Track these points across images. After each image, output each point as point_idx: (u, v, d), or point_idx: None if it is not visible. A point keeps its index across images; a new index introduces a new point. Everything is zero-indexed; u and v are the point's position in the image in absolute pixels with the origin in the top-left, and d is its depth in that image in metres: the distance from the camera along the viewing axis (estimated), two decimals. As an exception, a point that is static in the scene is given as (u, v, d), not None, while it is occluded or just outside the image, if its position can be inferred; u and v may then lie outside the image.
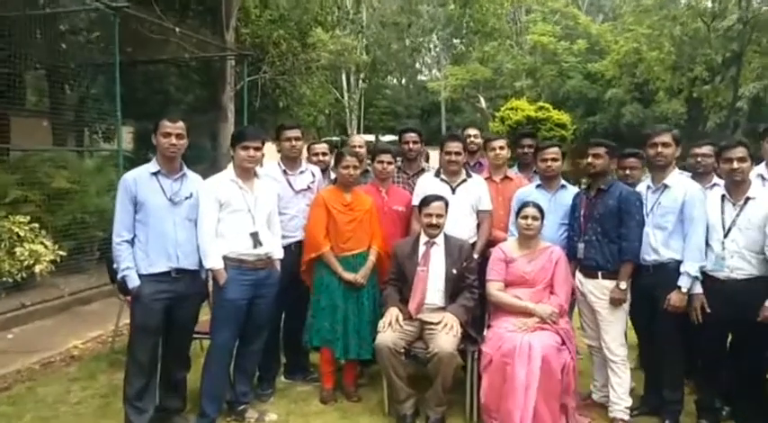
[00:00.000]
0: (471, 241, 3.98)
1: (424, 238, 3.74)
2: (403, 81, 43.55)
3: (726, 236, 3.24)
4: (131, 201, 3.09)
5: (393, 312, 3.54)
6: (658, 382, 3.58)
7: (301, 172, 3.97)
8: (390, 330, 3.45)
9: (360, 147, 4.63)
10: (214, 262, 3.24)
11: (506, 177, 4.30)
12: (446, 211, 3.72)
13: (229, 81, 14.10)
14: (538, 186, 4.00)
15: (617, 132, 24.28)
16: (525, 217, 3.63)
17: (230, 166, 3.41)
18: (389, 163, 4.09)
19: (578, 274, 3.67)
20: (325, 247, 3.71)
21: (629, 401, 3.52)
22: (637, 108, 23.60)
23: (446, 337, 3.38)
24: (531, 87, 30.27)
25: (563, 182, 3.99)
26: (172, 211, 3.15)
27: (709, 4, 17.64)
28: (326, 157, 4.36)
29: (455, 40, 34.82)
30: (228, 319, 3.30)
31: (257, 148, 3.35)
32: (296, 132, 3.88)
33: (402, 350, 3.44)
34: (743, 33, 15.27)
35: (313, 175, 4.03)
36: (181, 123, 3.15)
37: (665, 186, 3.44)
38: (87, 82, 9.45)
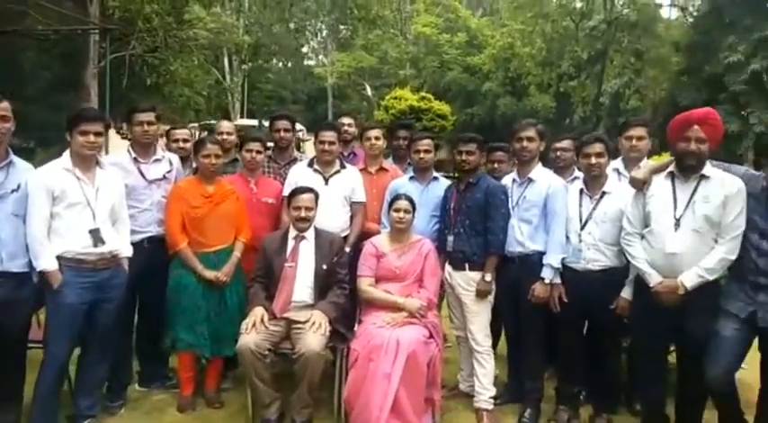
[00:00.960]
0: (344, 234, 3.86)
1: (293, 233, 3.55)
2: (289, 65, 42.66)
3: (582, 228, 3.36)
4: None
5: (257, 312, 3.32)
6: (520, 370, 3.68)
7: (156, 160, 3.60)
8: (254, 332, 3.23)
9: (227, 133, 4.33)
10: (46, 263, 2.83)
11: (382, 168, 4.20)
12: (316, 204, 3.55)
13: (93, 57, 12.92)
14: (411, 178, 3.95)
15: (492, 124, 25.46)
16: (398, 210, 3.55)
17: (66, 153, 2.98)
18: (259, 152, 3.83)
19: (447, 267, 3.67)
20: (181, 244, 3.40)
21: (492, 391, 3.58)
22: (510, 101, 24.84)
23: (313, 336, 3.22)
24: (415, 77, 30.88)
25: (435, 174, 3.96)
26: None
27: (578, 4, 18.88)
28: (188, 144, 4.01)
29: (341, 27, 34.52)
30: (64, 327, 2.91)
31: (98, 133, 2.96)
32: (149, 116, 3.50)
33: (266, 352, 3.23)
34: (607, 33, 16.46)
35: (170, 164, 3.68)
36: (5, 104, 2.69)
37: (530, 180, 3.51)
38: None
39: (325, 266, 3.50)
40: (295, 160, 4.20)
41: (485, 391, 3.56)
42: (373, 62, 32.51)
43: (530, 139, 3.49)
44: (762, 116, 13.07)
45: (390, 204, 3.61)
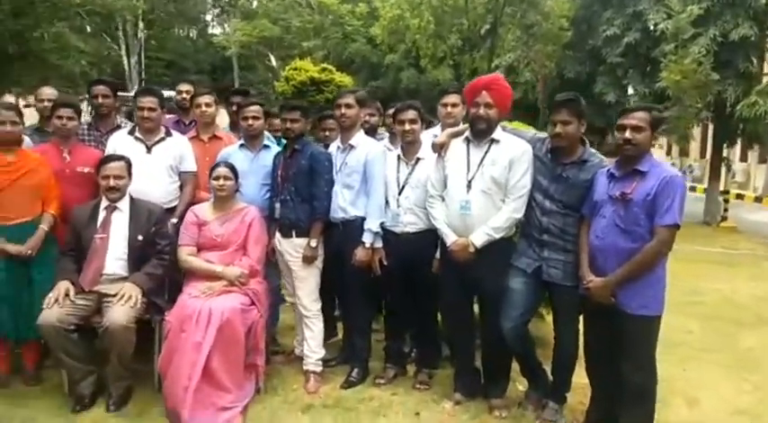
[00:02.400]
0: (173, 205, 3.75)
1: (104, 203, 3.41)
2: (191, 34, 40.79)
3: (400, 193, 3.45)
4: None
5: (62, 286, 3.18)
6: (349, 331, 3.78)
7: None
8: (56, 306, 3.09)
9: (48, 100, 4.07)
10: None
11: (215, 136, 4.10)
12: (129, 173, 3.42)
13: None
14: (241, 146, 3.87)
15: (396, 96, 25.57)
16: (217, 178, 3.48)
17: None
18: (70, 118, 3.61)
19: (277, 234, 3.66)
20: (-25, 217, 3.18)
21: (321, 353, 3.65)
22: (413, 74, 25.01)
23: (120, 308, 3.13)
24: (320, 48, 30.44)
25: (266, 142, 3.92)
26: None
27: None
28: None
29: (240, -7, 33.40)
30: None
31: None
32: None
33: (72, 327, 3.11)
34: (495, 8, 16.88)
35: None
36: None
37: (351, 146, 3.55)
38: None
39: (140, 237, 3.39)
40: (118, 128, 4.01)
41: (312, 354, 3.63)
42: (277, 32, 31.69)
43: (348, 106, 3.52)
44: (637, 87, 13.89)
45: (210, 173, 3.54)
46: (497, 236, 3.03)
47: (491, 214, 3.05)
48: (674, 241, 2.66)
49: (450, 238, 3.12)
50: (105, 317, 3.12)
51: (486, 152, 3.10)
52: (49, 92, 4.25)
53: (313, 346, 3.63)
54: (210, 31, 40.61)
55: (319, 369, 3.64)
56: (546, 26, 16.62)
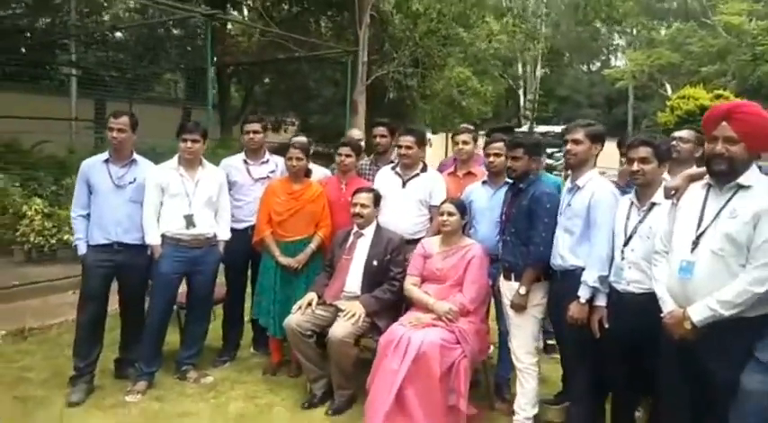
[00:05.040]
0: (419, 236, 4.01)
1: (354, 229, 3.89)
2: (585, 68, 41.37)
3: (626, 244, 2.90)
4: (85, 183, 3.72)
5: (309, 296, 3.76)
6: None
7: (263, 162, 4.34)
8: (300, 313, 3.68)
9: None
10: (151, 239, 3.76)
11: (469, 173, 4.21)
12: (375, 203, 3.82)
13: (361, 77, 14.75)
14: (483, 182, 3.88)
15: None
16: (442, 213, 3.59)
17: (176, 156, 3.89)
18: (348, 155, 4.24)
19: (501, 276, 3.53)
20: (264, 233, 4.04)
21: (530, 413, 3.33)
22: None
23: (344, 323, 3.52)
24: (722, 74, 26.92)
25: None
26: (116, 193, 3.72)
27: None
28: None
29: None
30: (160, 288, 3.80)
31: (194, 141, 3.79)
32: (254, 126, 4.27)
33: (308, 332, 3.63)
34: None
35: (276, 166, 4.37)
36: (123, 119, 3.69)
37: (578, 187, 3.17)
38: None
39: (375, 262, 3.74)
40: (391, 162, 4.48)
41: (521, 411, 3.35)
42: (673, 59, 29.41)
43: (576, 142, 3.15)
44: None
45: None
46: (726, 313, 2.26)
47: (721, 283, 2.30)
48: None
49: (667, 307, 2.48)
50: (330, 329, 3.55)
51: (727, 202, 2.37)
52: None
53: (523, 402, 3.34)
54: (614, 62, 40.17)
55: (527, 428, 3.32)
56: None
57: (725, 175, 2.35)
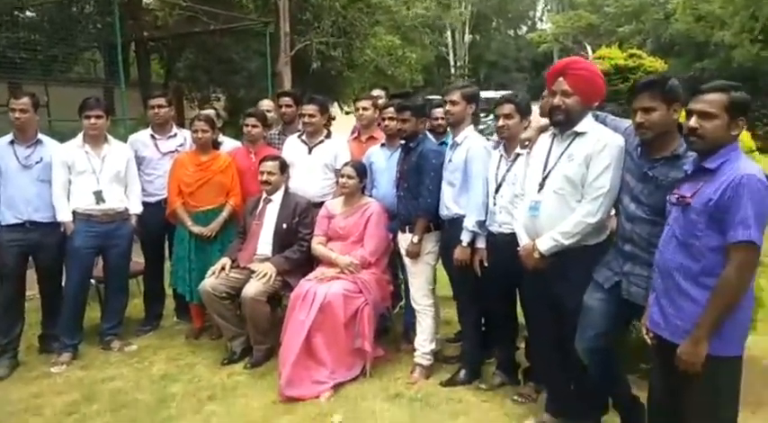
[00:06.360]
0: (327, 199, 4.25)
1: (264, 196, 4.11)
2: (518, 33, 41.98)
3: (497, 191, 3.27)
4: None
5: (222, 261, 3.98)
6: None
7: (170, 136, 4.47)
8: (214, 277, 3.90)
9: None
10: (62, 216, 3.86)
11: (371, 137, 4.48)
12: (282, 170, 4.04)
13: (284, 48, 14.59)
14: (382, 145, 4.16)
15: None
16: (342, 176, 3.86)
17: (80, 134, 3.97)
18: (254, 126, 4.42)
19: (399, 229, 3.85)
20: (175, 204, 4.21)
21: (428, 348, 3.70)
22: (746, 51, 21.01)
23: (255, 283, 3.77)
24: (637, 33, 28.13)
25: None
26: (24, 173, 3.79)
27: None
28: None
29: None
30: (75, 262, 3.93)
31: (98, 117, 3.89)
32: (159, 100, 4.38)
33: (224, 295, 3.86)
34: None
35: (185, 139, 4.51)
36: (24, 99, 3.74)
37: (456, 144, 3.50)
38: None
39: (284, 226, 3.99)
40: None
41: (421, 347, 3.71)
42: (592, 20, 30.44)
43: (453, 103, 3.46)
44: None
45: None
46: (566, 242, 2.66)
47: (562, 218, 2.68)
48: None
49: (522, 241, 2.86)
50: (243, 289, 3.80)
51: (566, 147, 2.74)
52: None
53: (421, 339, 3.71)
54: (539, 26, 40.92)
55: (427, 363, 3.70)
56: None
57: (563, 124, 2.72)
